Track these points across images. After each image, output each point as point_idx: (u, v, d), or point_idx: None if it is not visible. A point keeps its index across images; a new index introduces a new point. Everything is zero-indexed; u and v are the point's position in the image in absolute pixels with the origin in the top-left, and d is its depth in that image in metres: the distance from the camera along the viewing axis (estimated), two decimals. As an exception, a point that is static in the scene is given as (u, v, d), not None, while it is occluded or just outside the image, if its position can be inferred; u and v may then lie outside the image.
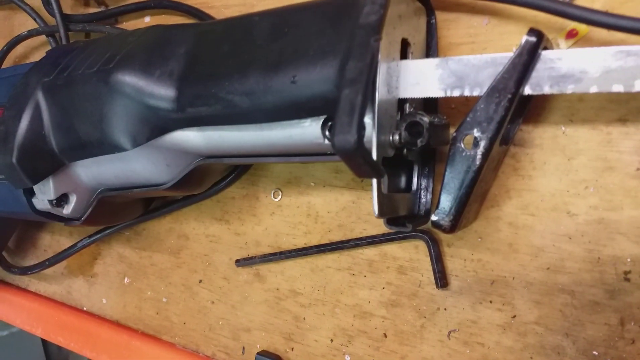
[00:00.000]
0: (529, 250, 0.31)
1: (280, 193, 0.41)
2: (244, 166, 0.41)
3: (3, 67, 0.54)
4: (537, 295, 0.31)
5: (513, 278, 0.32)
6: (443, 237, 0.34)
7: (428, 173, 0.32)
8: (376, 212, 0.27)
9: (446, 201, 0.28)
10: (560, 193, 0.30)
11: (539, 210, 0.31)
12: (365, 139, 0.23)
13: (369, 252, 0.36)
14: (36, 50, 0.56)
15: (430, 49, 0.33)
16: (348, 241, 0.37)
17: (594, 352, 0.29)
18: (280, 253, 0.40)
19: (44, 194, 0.36)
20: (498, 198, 0.32)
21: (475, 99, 0.32)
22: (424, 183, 0.32)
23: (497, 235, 0.32)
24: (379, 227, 0.36)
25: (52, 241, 0.55)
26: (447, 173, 0.28)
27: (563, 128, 0.30)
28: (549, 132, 0.31)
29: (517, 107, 0.28)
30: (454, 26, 0.34)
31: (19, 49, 0.55)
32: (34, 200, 0.38)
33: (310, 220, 0.39)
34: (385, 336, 0.36)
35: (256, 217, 0.42)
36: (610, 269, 0.29)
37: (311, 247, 0.38)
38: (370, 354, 0.36)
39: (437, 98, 0.32)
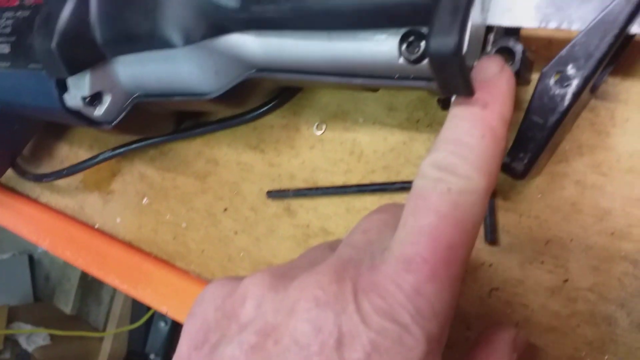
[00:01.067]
0: (594, 212, 0.29)
1: (323, 126, 0.38)
2: (287, 93, 0.39)
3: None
4: (595, 261, 0.29)
5: (571, 240, 0.29)
6: (499, 189, 0.32)
7: (497, 117, 0.30)
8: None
9: (522, 143, 0.26)
10: None
11: (612, 171, 0.29)
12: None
13: (414, 197, 0.34)
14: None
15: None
16: (393, 183, 0.35)
17: (651, 327, 0.27)
18: (316, 189, 0.38)
19: (78, 90, 0.34)
20: (568, 153, 0.30)
21: (560, 43, 0.29)
22: (491, 126, 0.30)
23: (560, 192, 0.30)
24: (429, 172, 0.34)
25: (70, 153, 0.53)
26: (528, 112, 0.26)
27: (654, 85, 0.28)
28: (637, 88, 0.28)
29: (614, 51, 0.26)
30: (546, -37, 0.31)
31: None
32: (66, 96, 0.35)
33: (353, 158, 0.37)
34: (420, 286, 0.34)
35: (294, 149, 0.39)
36: (684, 241, 0.27)
37: (351, 186, 0.36)
38: (400, 303, 0.34)
39: (519, 33, 0.29)
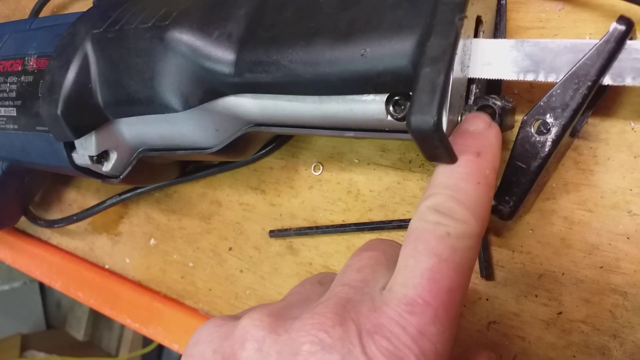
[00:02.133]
0: (583, 246, 0.30)
1: (321, 167, 0.40)
2: (285, 137, 0.40)
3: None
4: (586, 294, 0.30)
5: (563, 274, 0.31)
6: (492, 226, 0.33)
7: (485, 159, 0.31)
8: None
9: (508, 187, 0.27)
10: (622, 191, 0.29)
11: (597, 207, 0.30)
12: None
13: (411, 234, 0.36)
14: (75, 1, 0.55)
15: (498, 31, 0.31)
16: (390, 222, 0.36)
17: (642, 356, 0.29)
18: (317, 228, 0.39)
19: (85, 150, 0.36)
20: (555, 191, 0.31)
21: (542, 87, 0.31)
22: (479, 169, 0.31)
23: (550, 228, 0.31)
24: (424, 210, 0.35)
25: (78, 196, 0.54)
26: (511, 158, 0.27)
27: (632, 124, 0.29)
28: (616, 128, 0.30)
29: (590, 99, 0.27)
30: (524, 9, 0.32)
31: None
32: (74, 155, 0.37)
33: (351, 197, 0.38)
34: (421, 321, 0.35)
35: (294, 189, 0.41)
36: (669, 274, 0.28)
37: (350, 225, 0.38)
38: (404, 338, 0.35)
39: (501, 81, 0.31)
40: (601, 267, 0.30)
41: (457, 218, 0.21)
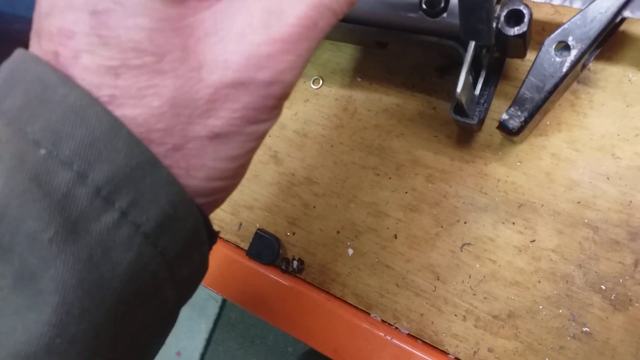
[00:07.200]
0: (565, 182, 0.32)
1: (320, 81, 0.40)
2: (289, 47, 0.40)
3: None
4: (561, 225, 0.32)
5: (542, 205, 0.32)
6: (481, 155, 0.34)
7: (491, 84, 0.33)
8: (459, 89, 0.27)
9: (521, 102, 0.29)
10: (610, 136, 0.32)
11: (585, 148, 0.32)
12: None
13: (401, 155, 0.36)
14: None
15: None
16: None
17: (602, 286, 0.31)
18: (307, 139, 0.39)
19: None
20: (548, 129, 0.33)
21: (553, 27, 0.33)
22: (486, 93, 0.33)
23: (537, 162, 0.33)
24: (417, 135, 0.36)
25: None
26: (529, 75, 0.29)
27: (630, 75, 0.31)
28: (615, 77, 0.32)
29: (602, 38, 0.29)
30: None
31: None
32: None
33: (347, 114, 0.39)
34: (396, 237, 0.36)
35: (288, 100, 0.41)
36: (639, 214, 0.30)
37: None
38: (375, 252, 0.36)
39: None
40: (578, 202, 0.32)
41: None
